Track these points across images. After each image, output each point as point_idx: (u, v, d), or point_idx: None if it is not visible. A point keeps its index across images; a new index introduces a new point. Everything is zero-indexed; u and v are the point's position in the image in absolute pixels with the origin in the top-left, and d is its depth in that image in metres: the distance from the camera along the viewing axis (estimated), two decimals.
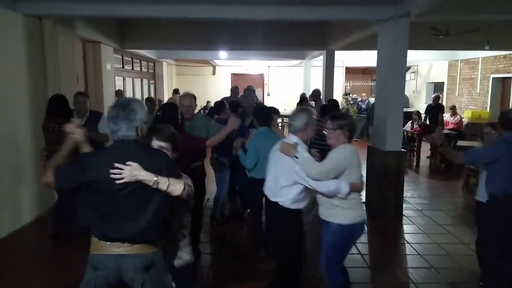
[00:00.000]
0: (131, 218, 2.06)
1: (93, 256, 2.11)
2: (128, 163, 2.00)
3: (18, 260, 4.12)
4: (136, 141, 2.11)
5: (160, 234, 2.16)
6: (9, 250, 4.37)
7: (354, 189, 2.82)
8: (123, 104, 2.12)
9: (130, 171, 2.00)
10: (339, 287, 3.02)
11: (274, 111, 4.36)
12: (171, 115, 3.48)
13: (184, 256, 2.47)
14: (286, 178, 2.95)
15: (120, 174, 1.99)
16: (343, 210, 2.83)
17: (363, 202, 3.35)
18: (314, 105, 8.55)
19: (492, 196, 3.48)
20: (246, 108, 6.01)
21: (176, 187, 2.07)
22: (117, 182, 1.99)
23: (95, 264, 2.10)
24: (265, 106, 4.50)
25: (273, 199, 3.09)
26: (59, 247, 4.41)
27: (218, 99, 6.69)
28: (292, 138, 3.00)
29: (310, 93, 9.41)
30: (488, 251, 3.58)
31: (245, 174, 4.41)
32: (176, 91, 12.03)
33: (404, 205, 5.72)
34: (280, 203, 3.02)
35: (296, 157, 2.82)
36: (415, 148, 9.52)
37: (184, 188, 2.08)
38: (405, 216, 5.54)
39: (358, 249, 4.38)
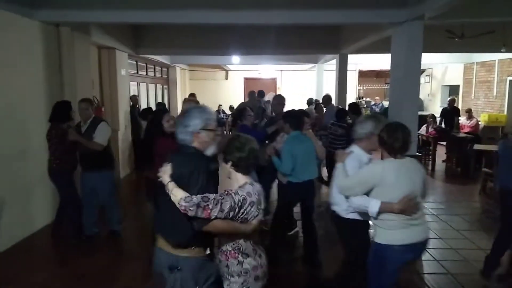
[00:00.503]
0: (162, 216, 2.19)
1: None
2: (165, 164, 2.11)
3: (28, 265, 4.16)
4: (184, 146, 2.16)
5: (183, 239, 2.10)
6: (20, 256, 4.42)
7: (387, 210, 2.51)
8: (185, 110, 2.27)
9: (162, 173, 2.09)
10: None
11: (305, 114, 4.32)
12: (159, 120, 3.81)
13: (233, 284, 2.17)
14: None
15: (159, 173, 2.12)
16: (379, 229, 2.64)
17: None
18: (325, 110, 8.53)
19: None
20: (275, 118, 5.63)
21: (174, 197, 1.99)
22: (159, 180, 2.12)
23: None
24: (296, 110, 4.46)
25: (332, 208, 3.05)
26: (69, 254, 4.45)
27: (231, 103, 6.69)
28: (352, 147, 2.98)
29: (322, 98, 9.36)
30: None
31: (269, 180, 4.33)
32: (192, 95, 12.09)
33: None
34: (336, 212, 2.99)
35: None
36: (430, 152, 9.41)
37: (178, 202, 1.96)
38: None
39: None
